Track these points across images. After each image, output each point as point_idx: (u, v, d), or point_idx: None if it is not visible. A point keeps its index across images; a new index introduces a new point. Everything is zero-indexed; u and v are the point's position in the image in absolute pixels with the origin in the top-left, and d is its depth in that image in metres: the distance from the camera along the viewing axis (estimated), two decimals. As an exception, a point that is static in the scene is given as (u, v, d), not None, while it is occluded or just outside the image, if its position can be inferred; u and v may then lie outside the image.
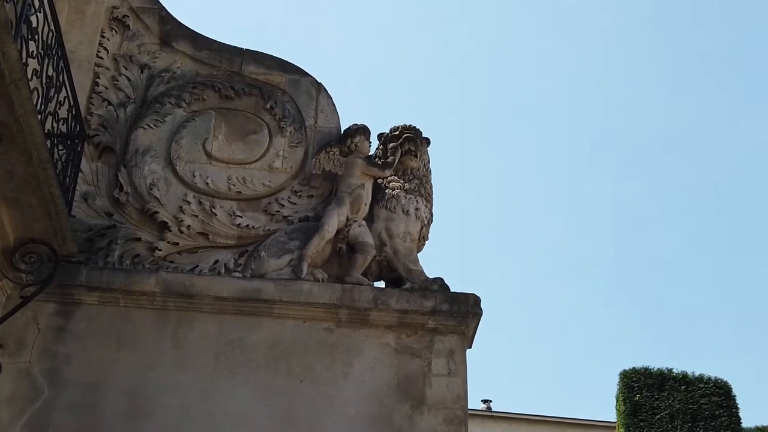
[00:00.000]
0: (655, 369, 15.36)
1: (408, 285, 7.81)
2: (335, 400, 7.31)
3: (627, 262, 38.64)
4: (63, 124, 7.12)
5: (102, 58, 8.59)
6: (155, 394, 7.22)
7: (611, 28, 38.11)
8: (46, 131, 6.56)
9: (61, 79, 6.82)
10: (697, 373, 15.35)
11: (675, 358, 37.72)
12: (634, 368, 15.35)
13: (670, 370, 15.38)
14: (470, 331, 7.80)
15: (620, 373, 15.34)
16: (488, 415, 24.29)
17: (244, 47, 8.91)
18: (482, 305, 7.73)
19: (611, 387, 15.73)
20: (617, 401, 15.24)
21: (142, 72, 8.63)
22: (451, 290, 7.79)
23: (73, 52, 8.41)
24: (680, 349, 35.87)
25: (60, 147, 7.18)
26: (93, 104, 8.39)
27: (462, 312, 7.64)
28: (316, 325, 7.57)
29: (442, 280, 7.88)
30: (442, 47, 39.00)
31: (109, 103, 8.43)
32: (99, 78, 8.52)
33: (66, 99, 7.03)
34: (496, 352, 37.63)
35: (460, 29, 37.68)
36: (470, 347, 8.11)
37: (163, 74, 8.64)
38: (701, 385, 15.12)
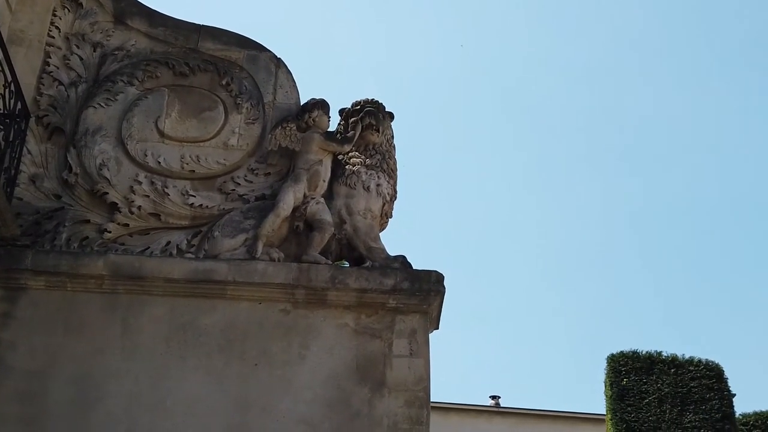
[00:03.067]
0: (644, 352, 14.97)
1: (368, 263, 7.52)
2: (291, 383, 7.03)
3: (620, 248, 38.23)
4: (-1, 101, 6.82)
5: (53, 38, 8.31)
6: (103, 381, 6.96)
7: (612, 25, 37.58)
8: (-24, 107, 6.27)
9: (-6, 53, 6.53)
10: (687, 356, 15.01)
11: (665, 342, 37.26)
12: (621, 352, 14.95)
13: (659, 353, 14.97)
14: (433, 311, 7.50)
15: (607, 357, 14.98)
16: (496, 411, 23.77)
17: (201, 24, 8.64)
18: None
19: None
20: (605, 386, 14.88)
21: (94, 51, 8.36)
22: (413, 268, 7.49)
23: (23, 31, 8.21)
24: (670, 332, 35.38)
25: (-1, 126, 6.90)
26: (43, 84, 8.12)
27: (424, 290, 7.34)
28: (272, 306, 7.28)
29: (404, 257, 7.59)
30: (425, 28, 38.47)
31: (60, 83, 8.15)
32: (50, 57, 8.24)
33: (2, 74, 6.72)
34: (501, 347, 37.17)
35: (445, 8, 37.08)
36: (437, 328, 7.82)
37: (117, 52, 8.38)
38: (691, 368, 14.67)
